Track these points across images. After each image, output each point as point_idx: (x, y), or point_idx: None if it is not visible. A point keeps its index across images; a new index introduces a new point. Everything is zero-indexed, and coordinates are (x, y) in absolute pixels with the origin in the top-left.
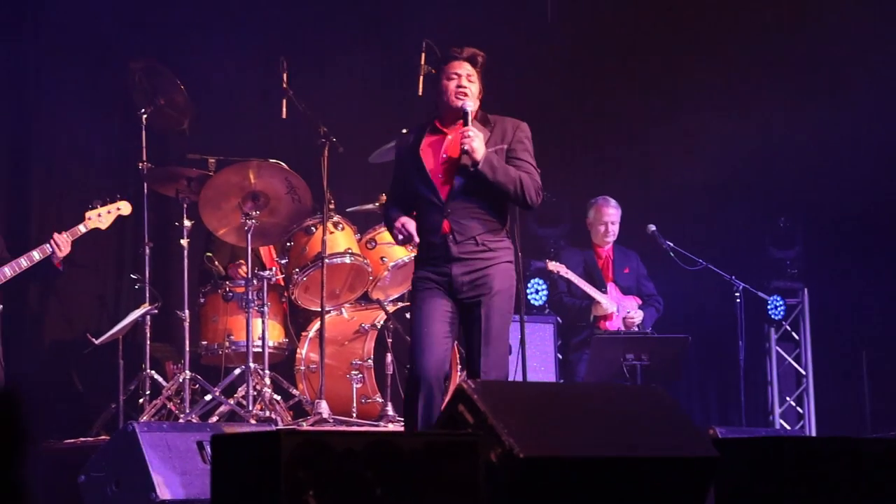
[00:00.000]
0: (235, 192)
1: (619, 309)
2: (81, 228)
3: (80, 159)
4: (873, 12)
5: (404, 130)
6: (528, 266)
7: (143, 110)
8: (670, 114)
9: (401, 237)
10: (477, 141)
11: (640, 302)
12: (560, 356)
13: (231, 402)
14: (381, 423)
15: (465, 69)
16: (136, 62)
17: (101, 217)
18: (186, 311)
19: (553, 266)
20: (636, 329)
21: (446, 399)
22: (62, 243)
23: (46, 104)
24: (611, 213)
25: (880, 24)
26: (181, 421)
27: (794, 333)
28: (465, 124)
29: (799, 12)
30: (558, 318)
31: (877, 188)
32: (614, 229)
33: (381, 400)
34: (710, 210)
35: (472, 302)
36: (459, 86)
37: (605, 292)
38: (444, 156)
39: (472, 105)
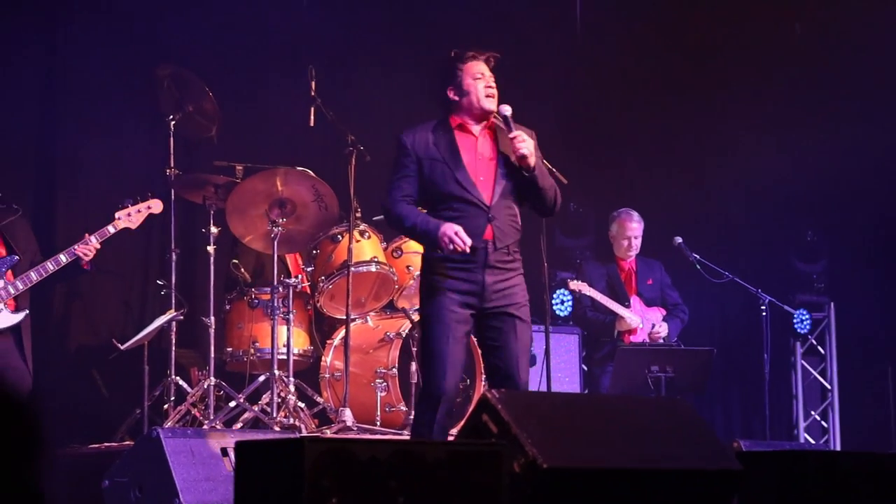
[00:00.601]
0: (262, 200)
1: (644, 322)
2: (111, 229)
3: (107, 165)
4: None
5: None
6: (554, 277)
7: (171, 117)
8: (699, 126)
9: (451, 246)
10: (530, 144)
11: (665, 313)
12: (585, 367)
13: (255, 408)
14: (405, 432)
15: (487, 70)
16: (164, 69)
17: (130, 217)
18: (212, 318)
19: (575, 285)
20: (661, 341)
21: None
22: (90, 246)
23: (75, 109)
24: (633, 228)
25: None
26: (205, 427)
27: (819, 347)
28: (509, 128)
29: (830, 29)
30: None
31: None
32: (637, 244)
33: (405, 409)
34: (737, 223)
35: (503, 312)
36: (489, 86)
37: (628, 306)
38: (482, 157)
39: (509, 108)
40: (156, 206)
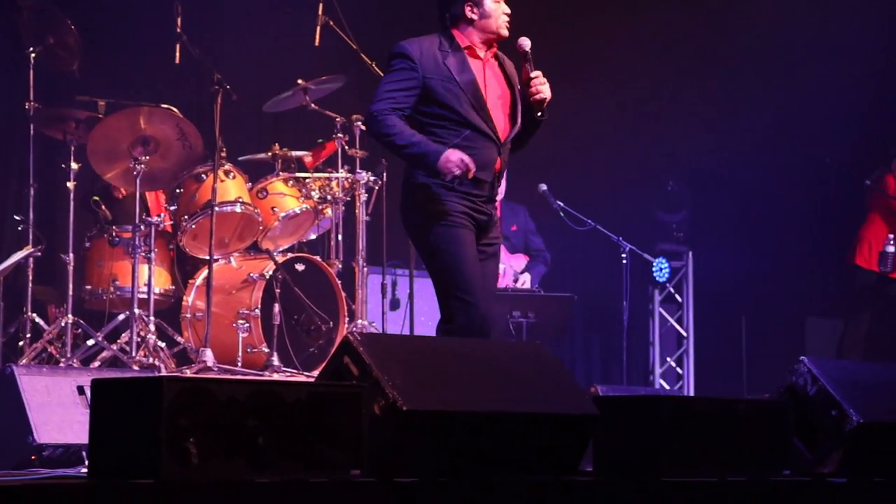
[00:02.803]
0: (125, 136)
1: (506, 269)
2: None
3: None
4: None
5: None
6: None
7: (31, 49)
8: (564, 71)
9: (458, 171)
10: (548, 87)
11: (528, 259)
12: None
13: (114, 347)
14: (267, 373)
15: None
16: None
17: None
18: (71, 255)
19: None
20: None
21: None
22: None
23: None
24: None
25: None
26: (62, 365)
27: (677, 296)
28: (531, 65)
29: None
30: None
31: (763, 158)
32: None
33: (267, 350)
34: (600, 171)
35: (493, 246)
36: (506, 13)
37: None
38: (492, 86)
39: (529, 42)
40: None
